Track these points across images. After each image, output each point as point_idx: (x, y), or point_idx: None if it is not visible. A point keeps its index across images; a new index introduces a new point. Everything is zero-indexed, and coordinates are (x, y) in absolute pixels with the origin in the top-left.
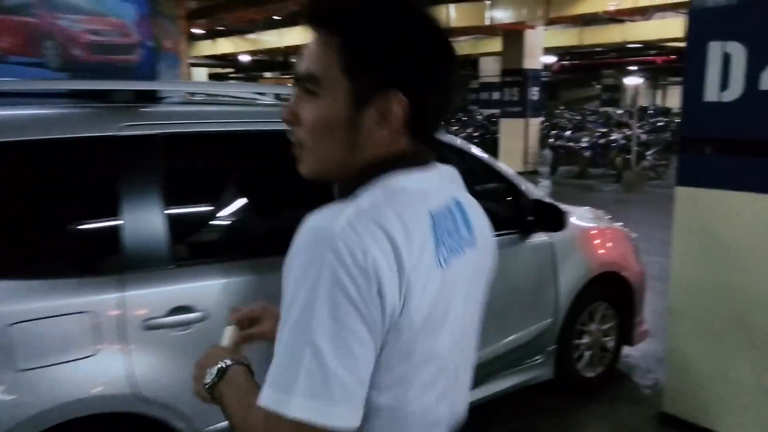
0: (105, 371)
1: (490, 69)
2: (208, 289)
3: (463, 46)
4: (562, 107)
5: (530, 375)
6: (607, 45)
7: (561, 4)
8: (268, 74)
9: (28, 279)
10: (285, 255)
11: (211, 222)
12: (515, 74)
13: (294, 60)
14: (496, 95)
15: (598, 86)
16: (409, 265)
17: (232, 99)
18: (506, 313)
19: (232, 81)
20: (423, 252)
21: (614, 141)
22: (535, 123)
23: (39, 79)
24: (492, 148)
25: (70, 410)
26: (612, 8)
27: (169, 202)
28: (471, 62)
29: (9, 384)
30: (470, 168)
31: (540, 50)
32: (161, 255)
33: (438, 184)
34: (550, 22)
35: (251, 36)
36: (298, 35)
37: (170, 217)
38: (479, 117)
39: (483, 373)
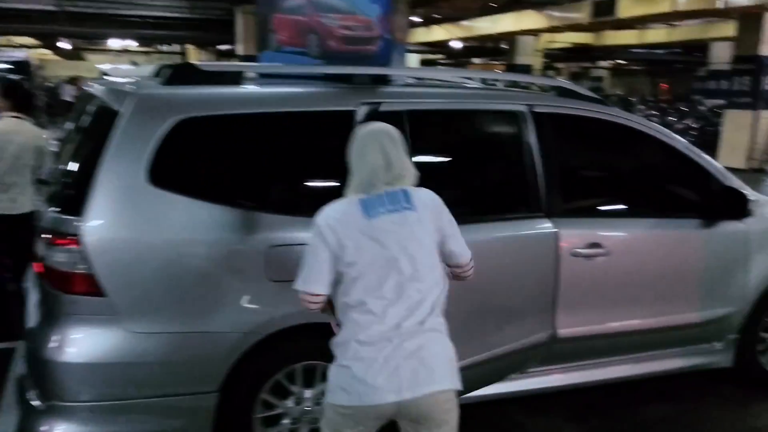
0: None
1: (722, 56)
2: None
3: (691, 30)
4: None
5: (707, 359)
6: None
7: None
8: (476, 60)
9: None
10: None
11: None
12: (748, 61)
13: (505, 46)
14: (724, 84)
15: None
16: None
17: (439, 82)
18: (675, 291)
19: (440, 67)
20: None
21: None
22: (767, 116)
23: (303, 65)
24: (712, 141)
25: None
26: None
27: None
28: (699, 47)
29: None
30: (654, 153)
31: None
32: None
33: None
34: None
35: (465, 23)
36: (511, 21)
37: None
38: (702, 108)
39: (653, 340)
